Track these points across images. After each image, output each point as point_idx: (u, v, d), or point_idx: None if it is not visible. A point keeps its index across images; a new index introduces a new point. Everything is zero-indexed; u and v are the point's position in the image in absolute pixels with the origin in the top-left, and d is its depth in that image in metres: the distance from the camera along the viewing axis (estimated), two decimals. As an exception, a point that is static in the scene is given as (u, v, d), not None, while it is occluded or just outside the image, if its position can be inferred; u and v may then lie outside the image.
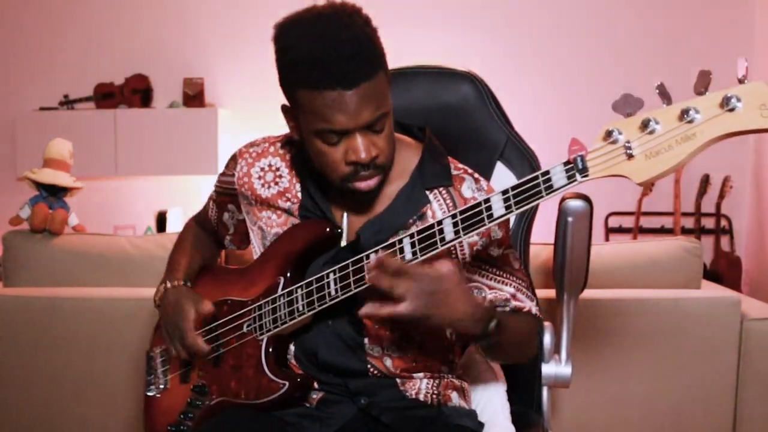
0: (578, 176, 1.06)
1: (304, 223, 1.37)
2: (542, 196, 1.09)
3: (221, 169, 1.51)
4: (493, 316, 1.23)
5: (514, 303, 1.36)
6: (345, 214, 1.35)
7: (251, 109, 4.99)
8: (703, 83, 1.02)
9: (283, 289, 1.33)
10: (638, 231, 4.68)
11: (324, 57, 1.17)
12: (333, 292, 1.26)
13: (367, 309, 1.18)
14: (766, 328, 2.20)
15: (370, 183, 1.26)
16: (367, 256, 1.22)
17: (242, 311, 1.38)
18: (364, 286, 1.22)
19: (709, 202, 4.66)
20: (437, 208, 1.34)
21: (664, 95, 1.04)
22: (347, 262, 1.24)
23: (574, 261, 1.56)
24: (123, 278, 2.39)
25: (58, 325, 2.29)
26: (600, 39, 4.85)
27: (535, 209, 1.67)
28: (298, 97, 1.22)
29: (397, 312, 1.16)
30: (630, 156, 1.03)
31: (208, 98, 5.00)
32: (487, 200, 1.13)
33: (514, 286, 1.37)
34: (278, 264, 1.36)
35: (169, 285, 1.45)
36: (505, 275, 1.37)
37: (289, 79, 1.23)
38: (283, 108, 1.31)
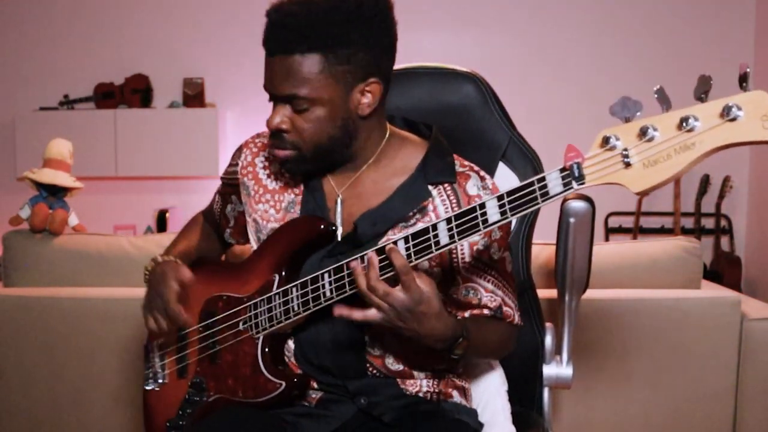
0: (574, 184, 1.04)
1: (299, 219, 1.37)
2: (538, 203, 1.08)
3: (221, 168, 1.51)
4: (461, 335, 1.24)
5: (504, 309, 1.36)
6: (341, 206, 1.35)
7: (251, 109, 4.99)
8: (703, 88, 0.98)
9: (278, 288, 1.33)
10: (638, 231, 4.68)
11: (268, 20, 1.25)
12: (328, 293, 1.25)
13: (341, 311, 1.20)
14: (766, 328, 2.20)
15: (280, 154, 1.30)
16: (362, 259, 1.21)
17: (238, 308, 1.37)
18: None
19: (709, 202, 4.66)
20: (440, 203, 1.33)
21: (663, 100, 1.01)
22: (342, 263, 1.24)
23: (576, 262, 1.56)
24: (123, 278, 2.39)
25: (58, 325, 2.29)
26: (604, 40, 4.85)
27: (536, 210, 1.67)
28: None
29: (368, 316, 1.19)
30: (628, 164, 1.00)
31: (208, 98, 5.01)
32: (482, 206, 1.13)
33: (505, 292, 1.38)
34: (273, 261, 1.36)
35: (159, 259, 1.43)
36: (500, 279, 1.37)
37: None
38: None
